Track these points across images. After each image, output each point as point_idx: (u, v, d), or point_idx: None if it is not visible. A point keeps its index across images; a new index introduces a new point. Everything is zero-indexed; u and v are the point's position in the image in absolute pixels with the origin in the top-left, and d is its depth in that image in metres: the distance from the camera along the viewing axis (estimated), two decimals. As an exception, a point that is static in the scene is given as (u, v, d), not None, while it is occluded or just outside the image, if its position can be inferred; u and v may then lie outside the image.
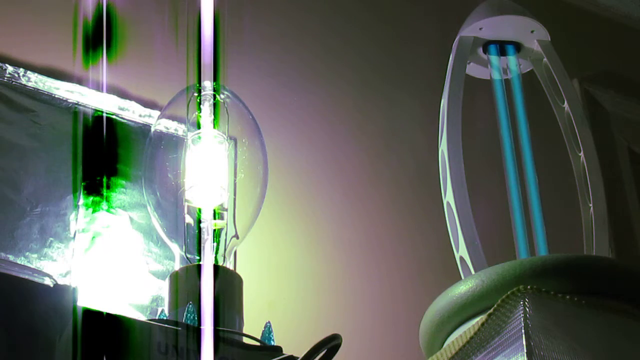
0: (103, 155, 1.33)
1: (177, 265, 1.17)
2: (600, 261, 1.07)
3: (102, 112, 1.35)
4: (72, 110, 1.33)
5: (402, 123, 1.66)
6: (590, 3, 2.04)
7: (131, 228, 1.30)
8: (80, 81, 1.35)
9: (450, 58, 1.31)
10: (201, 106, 1.20)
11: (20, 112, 1.30)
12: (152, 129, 1.29)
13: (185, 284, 1.10)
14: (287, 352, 1.02)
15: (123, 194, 1.32)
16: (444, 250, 1.27)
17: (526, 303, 0.90)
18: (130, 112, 1.37)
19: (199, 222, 1.16)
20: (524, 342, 0.87)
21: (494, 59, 1.32)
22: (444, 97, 1.28)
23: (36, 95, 1.31)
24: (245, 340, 1.05)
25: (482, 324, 0.92)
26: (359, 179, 1.57)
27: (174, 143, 1.25)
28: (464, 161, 1.21)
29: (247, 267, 1.32)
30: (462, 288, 1.04)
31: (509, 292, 0.91)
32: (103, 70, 1.38)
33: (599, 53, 2.00)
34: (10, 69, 1.31)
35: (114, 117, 1.36)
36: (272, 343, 1.05)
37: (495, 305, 0.91)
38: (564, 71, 1.32)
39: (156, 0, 1.50)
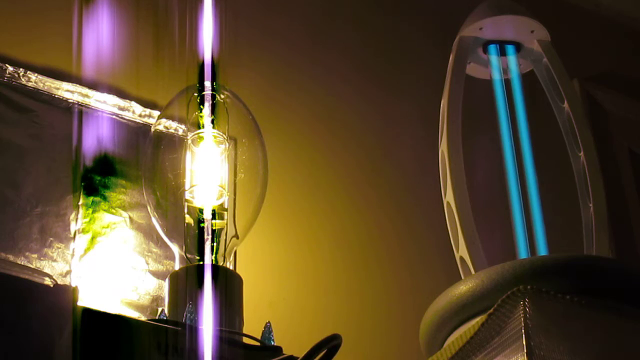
0: (103, 156, 1.33)
1: (177, 265, 1.17)
2: (600, 261, 1.07)
3: (102, 112, 1.35)
4: (72, 110, 1.33)
5: (402, 123, 1.66)
6: (590, 3, 2.04)
7: (131, 228, 1.30)
8: (80, 81, 1.35)
9: (450, 58, 1.31)
10: (201, 106, 1.20)
11: (20, 112, 1.30)
12: (152, 129, 1.29)
13: (185, 284, 1.10)
14: (287, 352, 1.02)
15: (123, 194, 1.32)
16: (443, 250, 1.27)
17: (526, 303, 0.89)
18: (130, 112, 1.37)
19: (199, 222, 1.16)
20: (524, 342, 0.87)
21: (494, 59, 1.32)
22: (444, 97, 1.28)
23: (36, 95, 1.31)
24: (245, 340, 1.05)
25: (482, 324, 0.92)
26: (359, 179, 1.57)
27: (174, 143, 1.25)
28: (463, 161, 1.21)
29: (247, 267, 1.32)
30: (462, 288, 1.04)
31: (509, 292, 0.91)
32: (103, 70, 1.38)
33: (599, 53, 2.00)
34: (10, 69, 1.31)
35: (114, 117, 1.36)
36: (272, 343, 1.05)
37: (495, 305, 0.91)
38: (564, 71, 1.31)
39: (156, 1, 1.49)
